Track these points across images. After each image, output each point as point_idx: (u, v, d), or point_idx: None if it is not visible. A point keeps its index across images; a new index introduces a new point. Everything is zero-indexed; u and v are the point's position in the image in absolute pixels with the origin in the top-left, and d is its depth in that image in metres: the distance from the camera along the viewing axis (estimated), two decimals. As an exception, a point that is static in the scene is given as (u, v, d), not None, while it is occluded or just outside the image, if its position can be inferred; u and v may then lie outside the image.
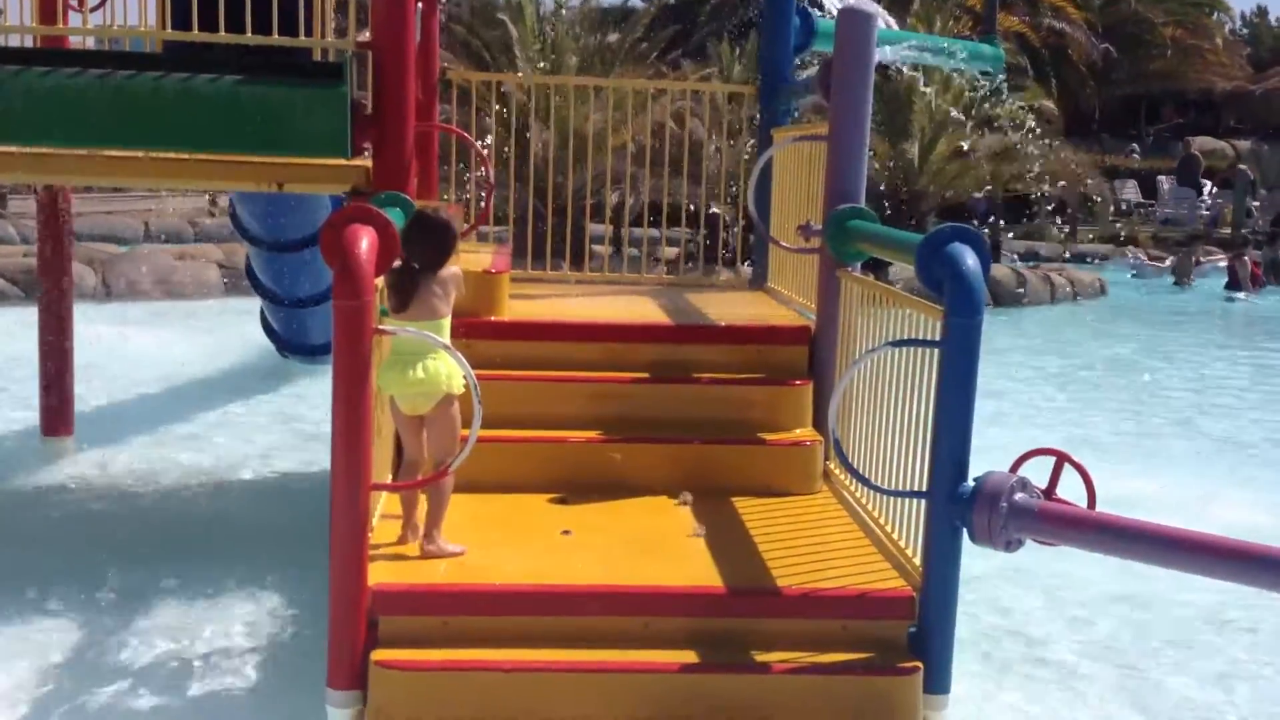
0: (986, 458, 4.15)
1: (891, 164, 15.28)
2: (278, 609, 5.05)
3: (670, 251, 9.07)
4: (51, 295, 7.25)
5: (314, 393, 9.04)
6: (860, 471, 4.58)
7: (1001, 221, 18.60)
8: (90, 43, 6.51)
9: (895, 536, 4.48)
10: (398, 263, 4.25)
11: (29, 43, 6.17)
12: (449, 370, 4.28)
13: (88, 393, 7.82)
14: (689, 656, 3.98)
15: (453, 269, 4.40)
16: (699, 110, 11.66)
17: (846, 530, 4.78)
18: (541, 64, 13.83)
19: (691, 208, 8.02)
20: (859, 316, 4.99)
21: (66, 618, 4.83)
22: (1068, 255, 21.75)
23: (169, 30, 5.44)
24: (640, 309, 6.20)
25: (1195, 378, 11.91)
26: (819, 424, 5.36)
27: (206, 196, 18.93)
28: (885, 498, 4.59)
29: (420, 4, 5.83)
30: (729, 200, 7.92)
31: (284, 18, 5.37)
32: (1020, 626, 5.27)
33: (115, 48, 6.04)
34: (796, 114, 7.04)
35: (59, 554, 5.55)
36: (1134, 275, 20.93)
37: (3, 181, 12.08)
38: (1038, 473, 3.96)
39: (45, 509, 6.34)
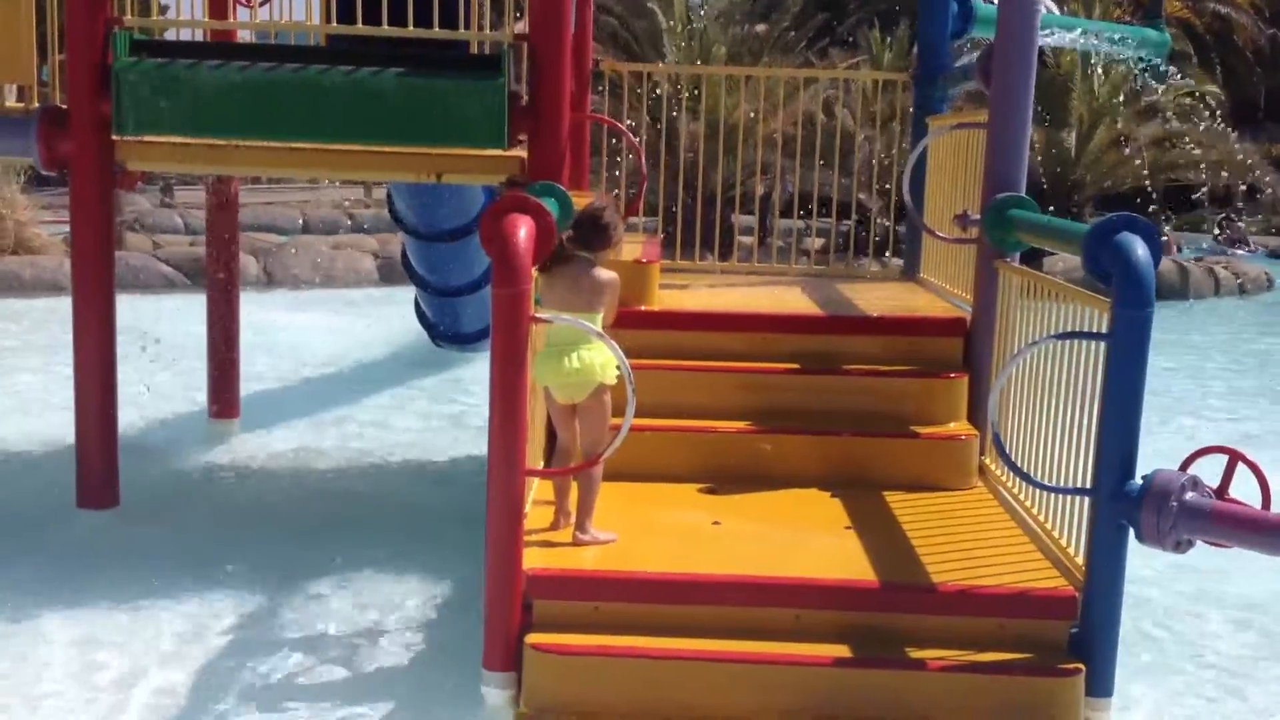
0: (1152, 456, 4.03)
1: (1047, 153, 14.86)
2: (433, 590, 5.15)
3: (816, 242, 8.98)
4: (220, 283, 7.51)
5: (466, 380, 9.21)
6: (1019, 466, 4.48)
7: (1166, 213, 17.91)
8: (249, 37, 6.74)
9: (1056, 534, 4.37)
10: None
11: (199, 38, 6.43)
12: (603, 360, 4.32)
13: (251, 377, 8.08)
14: (841, 651, 3.94)
15: (612, 275, 4.44)
16: (848, 100, 11.53)
17: (1003, 526, 4.68)
18: (684, 55, 13.83)
19: (839, 198, 7.93)
20: (1018, 308, 4.88)
21: (230, 594, 4.98)
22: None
23: (334, 24, 5.60)
24: (789, 299, 6.17)
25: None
26: (974, 418, 5.26)
27: (361, 188, 19.40)
28: (1044, 494, 4.49)
29: (575, -4, 5.88)
30: (878, 190, 7.83)
31: (443, 12, 5.48)
32: (1181, 627, 5.09)
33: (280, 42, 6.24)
34: (952, 102, 6.92)
35: (224, 533, 5.75)
36: None
37: (175, 172, 12.56)
38: (1207, 472, 3.82)
39: (212, 489, 6.58)
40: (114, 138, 5.55)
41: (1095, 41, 7.32)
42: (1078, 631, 3.99)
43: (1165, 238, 19.23)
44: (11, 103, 5.99)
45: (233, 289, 7.53)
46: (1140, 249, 3.77)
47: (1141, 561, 4.36)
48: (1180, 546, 3.75)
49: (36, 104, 5.82)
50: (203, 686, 4.27)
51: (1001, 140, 5.05)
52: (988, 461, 5.21)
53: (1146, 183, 15.14)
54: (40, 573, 5.14)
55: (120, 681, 4.28)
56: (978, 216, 5.18)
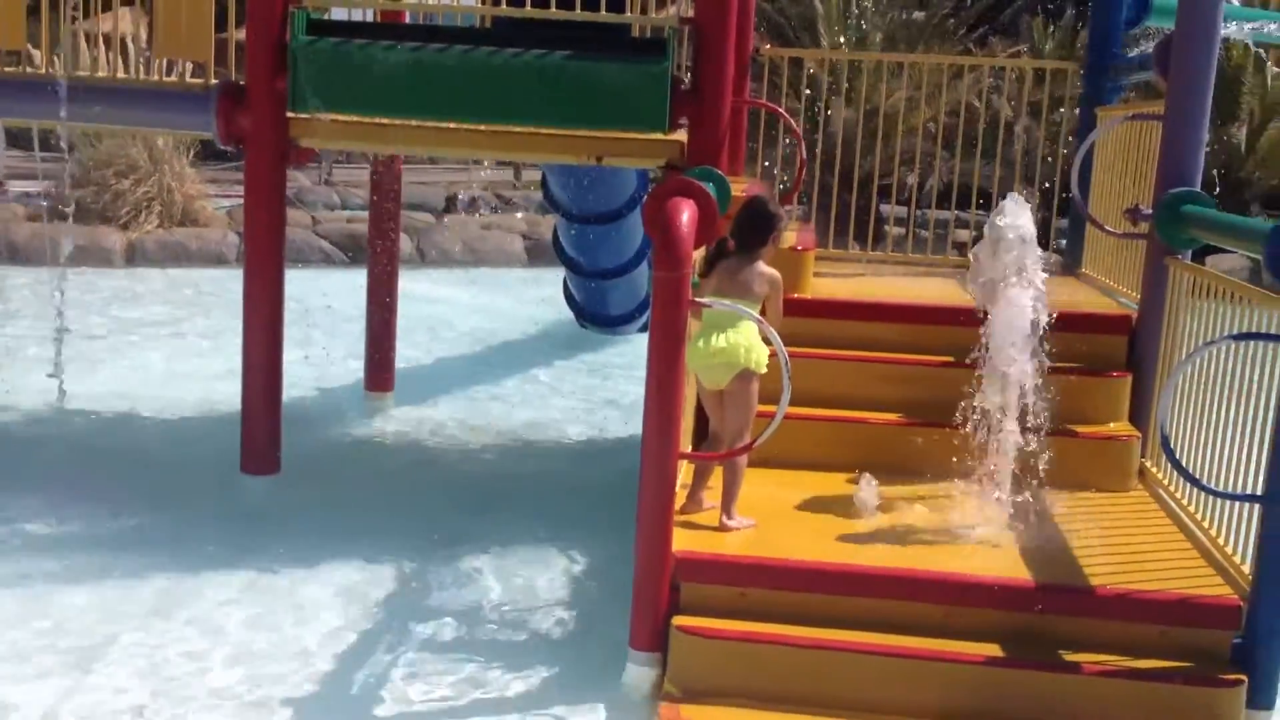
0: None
1: (1214, 149, 14.31)
2: (578, 567, 5.21)
3: (963, 234, 8.82)
4: (380, 259, 7.65)
5: (611, 362, 9.27)
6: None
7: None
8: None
9: (1221, 541, 4.24)
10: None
11: (369, 18, 6.57)
12: (748, 344, 4.32)
13: (404, 352, 8.25)
14: (993, 650, 3.90)
15: (775, 273, 4.46)
16: (1007, 89, 11.26)
17: (1164, 531, 4.56)
18: (840, 41, 13.67)
19: (998, 191, 7.75)
20: (1187, 307, 4.74)
21: (381, 564, 5.09)
22: None
23: (502, 7, 5.68)
24: (942, 291, 6.07)
25: None
26: (1136, 418, 5.13)
27: (511, 170, 19.64)
28: (1209, 500, 4.36)
29: (739, -19, 5.85)
30: (1039, 183, 7.65)
31: (610, -5, 5.53)
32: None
33: (446, 23, 6.35)
34: (1120, 94, 6.72)
35: (378, 503, 5.88)
36: None
37: (346, 149, 12.86)
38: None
39: (367, 460, 6.73)
40: (289, 114, 5.72)
41: (1276, 33, 7.04)
42: (1241, 641, 3.88)
43: None
44: (190, 79, 6.20)
45: (392, 266, 7.68)
46: (1327, 249, 3.63)
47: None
48: (1357, 559, 3.61)
49: (214, 80, 6.01)
50: (352, 651, 4.38)
51: (1178, 134, 4.90)
52: (1148, 464, 5.07)
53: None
54: (204, 534, 5.33)
55: (272, 643, 4.41)
56: (1149, 211, 5.04)
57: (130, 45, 6.59)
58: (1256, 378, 4.02)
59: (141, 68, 6.26)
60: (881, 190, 7.52)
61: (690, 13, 5.55)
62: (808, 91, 9.38)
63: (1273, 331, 3.87)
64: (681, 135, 5.60)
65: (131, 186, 12.95)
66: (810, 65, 8.92)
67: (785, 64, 7.15)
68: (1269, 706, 3.85)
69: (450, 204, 16.35)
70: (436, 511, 5.76)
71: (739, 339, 4.32)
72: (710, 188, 4.37)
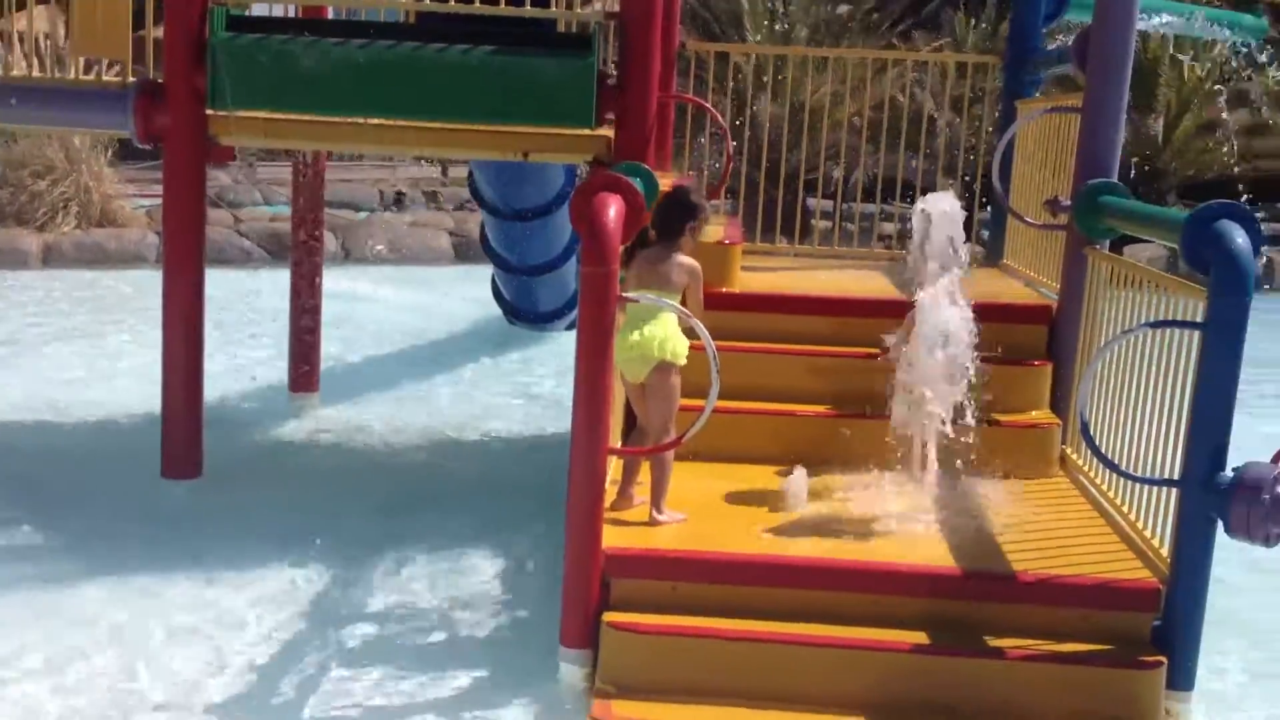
0: (1241, 449, 3.95)
1: (1132, 140, 14.57)
2: (508, 566, 5.18)
3: (889, 227, 8.90)
4: (304, 258, 7.56)
5: (540, 358, 9.24)
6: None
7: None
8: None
9: (1140, 525, 4.32)
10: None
11: (291, 14, 6.49)
12: (664, 336, 4.32)
13: (329, 352, 8.15)
14: (920, 637, 3.94)
15: (694, 263, 4.48)
16: (930, 83, 11.40)
17: (1085, 517, 4.65)
18: (765, 36, 13.75)
19: (921, 184, 7.85)
20: (1106, 296, 4.82)
21: (310, 567, 5.02)
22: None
23: (426, 1, 5.64)
24: (869, 284, 6.13)
25: None
26: (1056, 406, 5.21)
27: (438, 166, 19.49)
28: (1128, 485, 4.44)
29: (665, -24, 5.86)
30: (962, 176, 7.75)
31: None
32: (1267, 621, 4.99)
33: (370, 18, 6.29)
34: (1040, 86, 6.83)
35: (305, 506, 5.77)
36: None
37: (270, 146, 12.67)
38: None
39: (292, 462, 6.63)
40: (208, 112, 5.63)
41: (1190, 26, 7.20)
42: (1160, 624, 3.96)
43: None
44: (109, 76, 6.08)
45: (316, 264, 7.59)
46: (1240, 236, 3.72)
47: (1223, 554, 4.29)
48: (1270, 540, 3.71)
49: (132, 78, 5.90)
50: (277, 656, 4.32)
51: (1096, 125, 4.99)
52: (1069, 451, 5.16)
53: (1235, 169, 14.77)
54: (123, 541, 5.20)
55: (194, 650, 4.32)
56: (1068, 202, 5.12)
57: (45, 43, 6.45)
58: (1173, 364, 4.10)
59: (56, 66, 6.13)
60: (808, 184, 7.58)
61: (616, 7, 5.55)
62: (734, 82, 9.42)
63: (1188, 319, 3.94)
64: (608, 130, 5.60)
65: (48, 187, 12.68)
66: (736, 60, 8.94)
67: (711, 59, 7.15)
68: (1188, 687, 3.92)
69: (399, 199, 16.17)
70: (363, 513, 5.70)
71: (655, 331, 4.32)
72: (637, 183, 4.37)
